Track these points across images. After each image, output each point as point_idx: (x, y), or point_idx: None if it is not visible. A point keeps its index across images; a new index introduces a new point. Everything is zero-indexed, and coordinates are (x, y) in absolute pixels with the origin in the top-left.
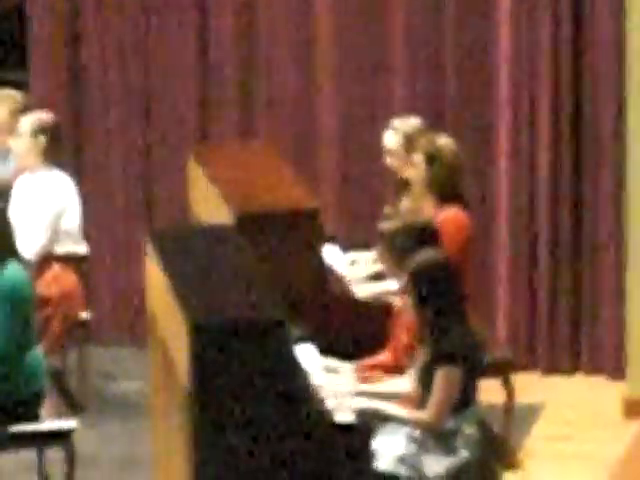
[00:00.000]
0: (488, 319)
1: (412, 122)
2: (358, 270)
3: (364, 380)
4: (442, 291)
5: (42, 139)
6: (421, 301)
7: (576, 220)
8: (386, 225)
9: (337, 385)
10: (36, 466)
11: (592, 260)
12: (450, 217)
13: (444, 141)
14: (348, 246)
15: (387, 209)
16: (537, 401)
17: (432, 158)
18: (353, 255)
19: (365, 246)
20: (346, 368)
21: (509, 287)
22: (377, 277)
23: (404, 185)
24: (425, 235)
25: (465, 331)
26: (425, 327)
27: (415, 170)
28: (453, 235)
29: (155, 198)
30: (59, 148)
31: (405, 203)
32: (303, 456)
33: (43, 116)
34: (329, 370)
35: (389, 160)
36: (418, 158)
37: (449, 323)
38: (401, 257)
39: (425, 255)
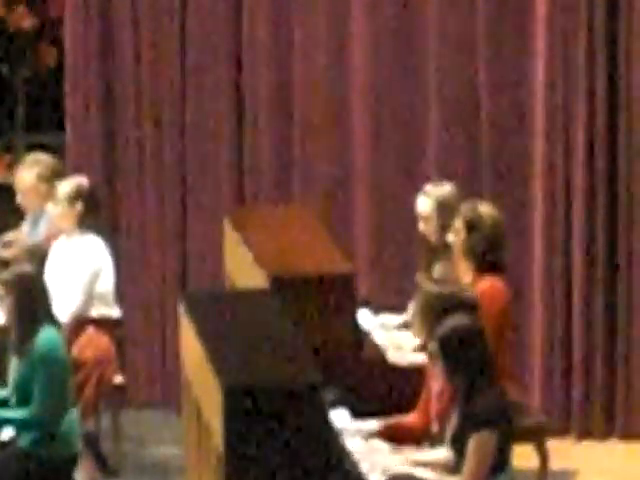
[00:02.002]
0: (522, 384)
1: (445, 188)
2: (391, 335)
3: (388, 439)
4: (472, 357)
5: (79, 205)
6: (451, 366)
7: (610, 286)
8: (424, 289)
9: (369, 449)
10: None
11: (626, 325)
12: (486, 288)
13: (486, 209)
14: (380, 309)
15: (419, 275)
16: (571, 466)
17: (472, 226)
18: (384, 318)
19: (396, 309)
20: (373, 426)
21: (543, 353)
22: (416, 349)
23: (436, 251)
24: (461, 302)
25: (496, 396)
26: (456, 392)
27: (454, 236)
28: (489, 307)
29: (189, 261)
30: (95, 213)
31: (439, 269)
32: None
33: (80, 181)
34: (359, 433)
35: (422, 226)
36: (458, 224)
37: (480, 388)
38: (434, 322)
39: (456, 321)
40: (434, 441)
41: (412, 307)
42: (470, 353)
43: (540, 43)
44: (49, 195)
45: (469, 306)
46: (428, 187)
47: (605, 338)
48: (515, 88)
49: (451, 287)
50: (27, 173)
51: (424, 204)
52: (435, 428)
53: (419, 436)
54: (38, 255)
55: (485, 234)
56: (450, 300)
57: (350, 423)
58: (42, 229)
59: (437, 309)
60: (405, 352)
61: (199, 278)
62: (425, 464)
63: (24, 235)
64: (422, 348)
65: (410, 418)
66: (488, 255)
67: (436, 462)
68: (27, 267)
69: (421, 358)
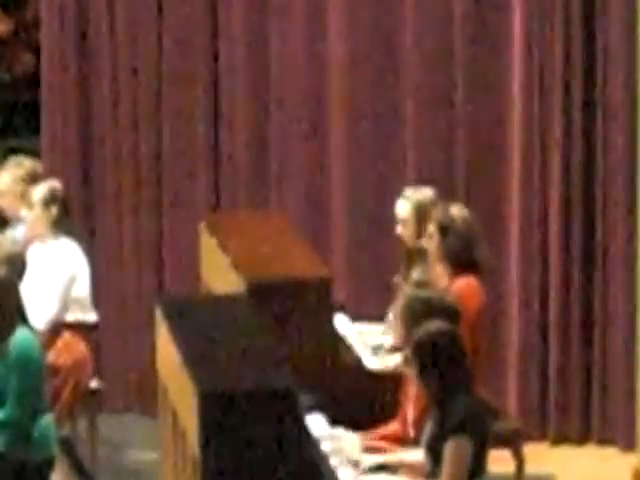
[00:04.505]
0: (498, 389)
1: (424, 192)
2: (367, 341)
3: (371, 450)
4: (446, 362)
5: (53, 209)
6: (425, 371)
7: (586, 293)
8: (405, 292)
9: (342, 454)
10: None
11: (603, 332)
12: (462, 287)
13: (457, 211)
14: (357, 316)
15: (397, 278)
16: (547, 472)
17: (445, 229)
18: (362, 326)
19: (374, 318)
20: (351, 438)
21: (519, 357)
22: (390, 350)
23: (415, 255)
24: (442, 308)
25: (472, 401)
26: (431, 398)
27: (429, 241)
28: (465, 305)
29: (166, 266)
30: (69, 217)
31: (417, 273)
32: None
33: (54, 185)
34: (334, 439)
35: (400, 229)
36: (431, 229)
37: (455, 393)
38: (413, 326)
39: (434, 325)
40: (412, 447)
41: (391, 312)
42: (445, 358)
43: (517, 46)
44: (25, 198)
45: (450, 312)
46: (407, 191)
47: (581, 343)
48: (492, 92)
49: (432, 292)
50: (5, 175)
51: (403, 208)
52: (412, 434)
53: (400, 443)
54: (18, 262)
55: (458, 235)
56: (430, 305)
57: (327, 430)
58: (19, 233)
59: (417, 313)
60: (381, 353)
61: (175, 283)
62: (401, 465)
63: (5, 240)
64: (397, 349)
65: (392, 427)
66: (463, 256)
67: (412, 463)
68: None
69: (397, 360)
